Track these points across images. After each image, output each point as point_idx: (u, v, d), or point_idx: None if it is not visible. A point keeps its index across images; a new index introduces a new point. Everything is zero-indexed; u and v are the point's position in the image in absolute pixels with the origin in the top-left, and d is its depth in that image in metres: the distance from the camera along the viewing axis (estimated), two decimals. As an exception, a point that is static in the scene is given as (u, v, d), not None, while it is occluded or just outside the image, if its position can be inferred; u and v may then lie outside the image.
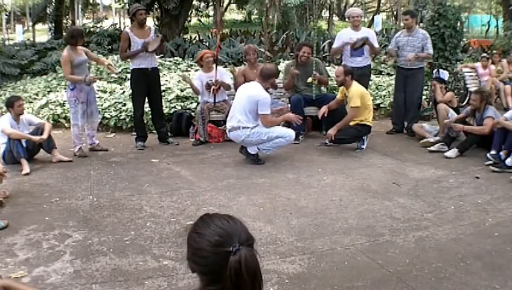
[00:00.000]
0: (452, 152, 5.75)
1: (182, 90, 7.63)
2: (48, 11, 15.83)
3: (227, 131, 5.79)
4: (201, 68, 6.91)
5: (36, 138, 5.50)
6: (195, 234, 1.36)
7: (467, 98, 8.49)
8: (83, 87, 5.82)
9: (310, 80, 6.57)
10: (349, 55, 6.78)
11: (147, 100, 6.33)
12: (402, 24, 7.47)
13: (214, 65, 6.57)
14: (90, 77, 5.97)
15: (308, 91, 6.68)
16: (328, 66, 9.03)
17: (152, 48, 5.98)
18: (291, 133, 5.60)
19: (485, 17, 25.59)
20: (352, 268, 3.17)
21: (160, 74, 6.77)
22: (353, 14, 7.00)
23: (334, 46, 7.07)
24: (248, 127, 5.39)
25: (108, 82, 8.38)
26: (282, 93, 7.15)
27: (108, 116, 7.22)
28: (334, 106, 6.28)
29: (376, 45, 6.98)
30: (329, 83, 7.19)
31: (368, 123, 6.04)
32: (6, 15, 24.05)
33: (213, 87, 6.43)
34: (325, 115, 6.21)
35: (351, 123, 5.98)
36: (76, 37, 5.82)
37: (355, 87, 5.96)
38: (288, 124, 6.46)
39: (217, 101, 6.55)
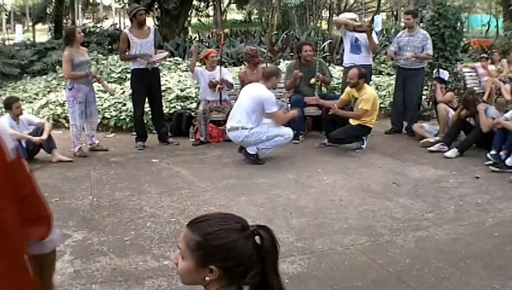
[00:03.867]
0: (452, 152, 5.75)
1: (182, 90, 7.63)
2: (48, 11, 15.80)
3: (226, 131, 5.81)
4: (204, 66, 6.92)
5: (36, 138, 5.50)
6: (221, 231, 1.33)
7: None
8: (81, 87, 5.82)
9: (313, 81, 6.57)
10: (348, 51, 6.81)
11: (147, 100, 6.34)
12: (402, 24, 7.50)
13: (217, 65, 6.62)
14: (93, 70, 6.01)
15: (310, 91, 6.68)
16: (329, 65, 9.03)
17: (155, 60, 6.16)
18: (289, 131, 5.63)
19: (485, 17, 25.57)
20: (352, 268, 3.17)
21: (160, 74, 6.78)
22: None
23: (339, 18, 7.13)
24: (247, 128, 5.39)
25: (108, 82, 8.38)
26: (282, 93, 7.16)
27: (108, 116, 7.22)
28: (338, 105, 6.28)
29: (375, 42, 6.99)
30: (331, 83, 7.20)
31: (369, 125, 6.05)
32: (6, 15, 24.06)
33: (218, 85, 6.48)
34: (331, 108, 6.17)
35: (353, 123, 5.98)
36: (70, 35, 5.84)
37: (371, 90, 6.02)
38: (288, 123, 6.48)
39: (222, 99, 6.61)
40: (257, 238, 1.36)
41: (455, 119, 6.15)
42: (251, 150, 5.51)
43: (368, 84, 7.18)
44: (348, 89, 6.22)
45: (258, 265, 1.34)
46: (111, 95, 7.31)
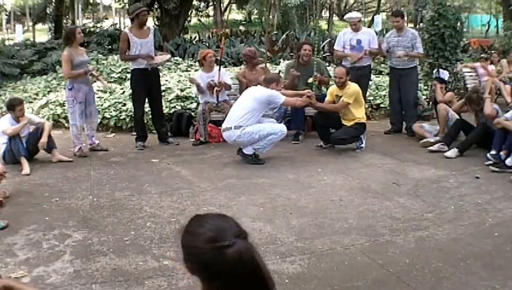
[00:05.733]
0: (452, 152, 5.75)
1: (182, 90, 7.63)
2: (48, 11, 15.80)
3: (221, 131, 5.82)
4: (202, 67, 6.92)
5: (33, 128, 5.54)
6: (187, 234, 1.38)
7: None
8: (81, 87, 5.83)
9: (310, 80, 6.57)
10: (349, 52, 6.83)
11: (147, 100, 6.34)
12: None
13: (216, 65, 6.62)
14: (92, 67, 6.04)
15: (308, 91, 6.69)
16: (328, 66, 9.03)
17: (156, 62, 6.19)
18: (282, 128, 5.63)
19: (485, 17, 25.59)
20: (352, 268, 3.17)
21: (160, 74, 6.78)
22: (350, 21, 7.10)
23: (336, 47, 7.13)
24: (239, 128, 5.38)
25: (108, 82, 8.38)
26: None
27: (108, 116, 7.22)
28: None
29: (376, 46, 7.00)
30: (330, 83, 7.20)
31: (363, 121, 6.06)
32: (6, 15, 24.06)
33: (216, 88, 6.48)
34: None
35: (349, 124, 5.98)
36: (70, 35, 5.85)
37: (355, 86, 5.98)
38: (288, 123, 6.49)
39: (219, 100, 6.60)
40: (232, 251, 1.31)
41: (456, 110, 6.17)
42: (247, 151, 5.51)
43: (368, 83, 7.20)
44: (330, 89, 6.23)
45: (227, 280, 1.31)
46: (108, 90, 7.38)
